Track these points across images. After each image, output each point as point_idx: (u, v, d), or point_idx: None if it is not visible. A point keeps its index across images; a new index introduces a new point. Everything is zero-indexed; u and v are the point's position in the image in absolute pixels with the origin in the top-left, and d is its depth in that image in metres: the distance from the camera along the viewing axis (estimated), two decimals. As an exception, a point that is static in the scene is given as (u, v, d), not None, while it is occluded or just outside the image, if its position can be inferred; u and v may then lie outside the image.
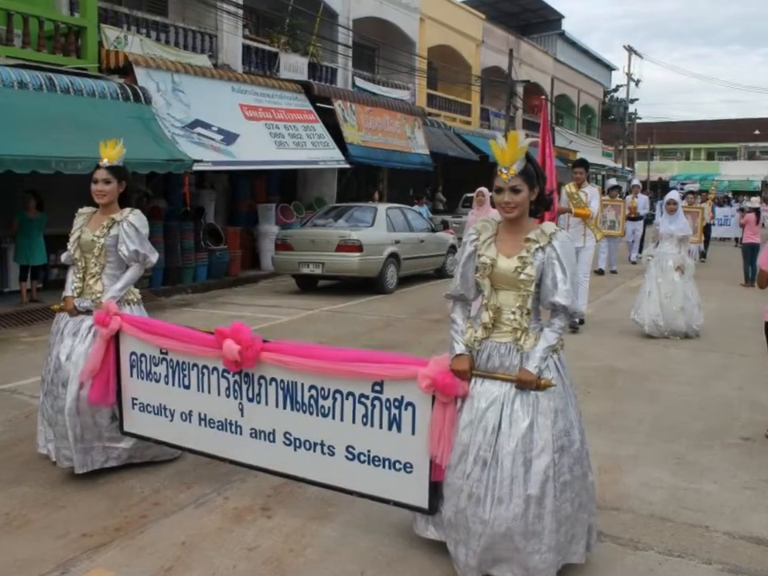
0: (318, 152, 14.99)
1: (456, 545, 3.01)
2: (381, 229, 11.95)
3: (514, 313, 3.01)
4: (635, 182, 20.45)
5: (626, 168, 42.93)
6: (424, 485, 3.10)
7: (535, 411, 2.91)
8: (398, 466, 3.16)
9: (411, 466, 3.13)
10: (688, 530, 3.53)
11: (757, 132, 49.90)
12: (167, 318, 8.03)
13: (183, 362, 3.77)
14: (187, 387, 3.77)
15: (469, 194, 17.66)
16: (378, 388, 3.16)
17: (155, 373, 3.89)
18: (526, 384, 2.91)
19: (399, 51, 21.15)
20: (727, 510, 3.76)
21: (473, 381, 3.03)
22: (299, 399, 3.39)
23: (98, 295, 4.10)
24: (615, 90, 47.50)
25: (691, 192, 15.87)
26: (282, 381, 3.43)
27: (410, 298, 11.56)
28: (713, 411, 5.52)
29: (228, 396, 3.62)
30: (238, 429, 3.62)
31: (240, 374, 3.55)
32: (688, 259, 8.51)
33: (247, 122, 13.70)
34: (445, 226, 14.83)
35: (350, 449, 3.27)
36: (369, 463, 3.23)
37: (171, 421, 3.88)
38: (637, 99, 46.52)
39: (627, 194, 19.32)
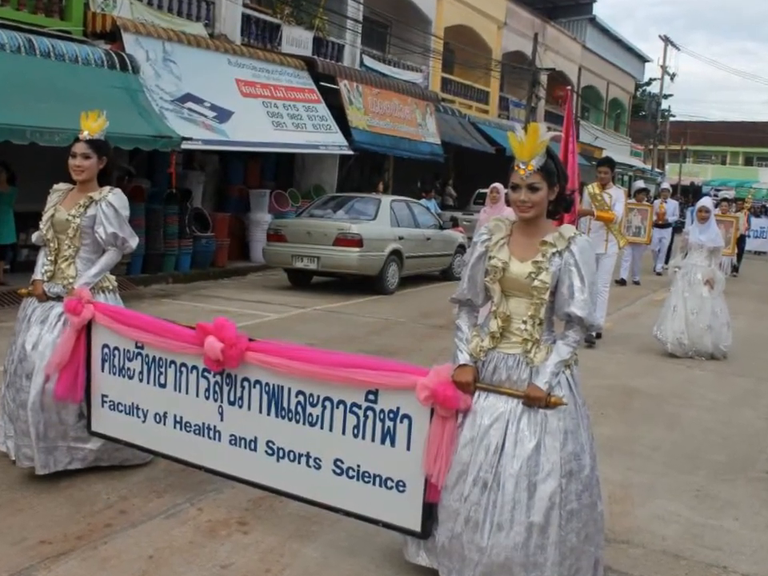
0: (318, 135, 15.00)
1: (449, 573, 3.02)
2: (384, 223, 11.96)
3: (525, 322, 3.01)
4: (665, 185, 20.43)
5: (656, 170, 42.98)
6: (417, 506, 3.10)
7: (543, 431, 2.92)
8: (389, 483, 3.16)
9: (404, 485, 3.13)
10: (704, 570, 3.53)
11: (801, 137, 49.96)
12: (145, 309, 8.02)
13: (160, 359, 3.77)
14: (163, 386, 3.77)
15: (482, 190, 17.66)
16: (371, 397, 3.16)
17: (129, 368, 3.89)
18: (535, 401, 2.91)
19: (413, 30, 21.15)
20: (748, 550, 3.76)
21: (476, 394, 3.04)
22: (285, 405, 3.39)
23: (71, 280, 4.10)
24: (648, 84, 47.54)
25: (725, 199, 15.85)
26: (267, 384, 3.43)
27: (411, 300, 11.57)
28: (737, 441, 5.52)
29: (207, 398, 3.62)
30: (217, 434, 3.62)
31: (222, 375, 3.55)
32: (718, 273, 8.51)
33: (243, 99, 13.71)
34: (454, 223, 14.84)
35: (338, 462, 3.27)
36: (358, 479, 3.23)
37: (144, 422, 3.88)
38: (671, 95, 46.50)
39: (655, 198, 19.34)
